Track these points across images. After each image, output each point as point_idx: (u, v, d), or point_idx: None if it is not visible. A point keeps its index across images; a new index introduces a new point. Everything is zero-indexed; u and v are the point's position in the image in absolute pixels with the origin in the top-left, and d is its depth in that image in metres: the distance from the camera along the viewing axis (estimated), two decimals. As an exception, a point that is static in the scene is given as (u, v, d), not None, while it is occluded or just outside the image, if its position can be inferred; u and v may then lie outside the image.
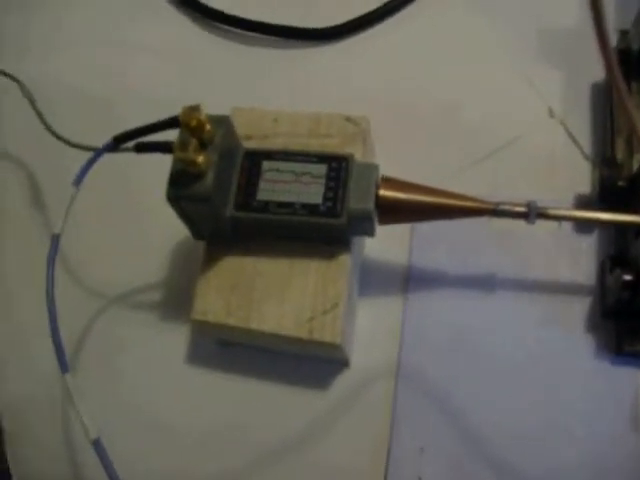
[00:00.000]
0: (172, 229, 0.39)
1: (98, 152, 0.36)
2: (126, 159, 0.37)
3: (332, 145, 0.40)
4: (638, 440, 0.38)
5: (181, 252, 0.44)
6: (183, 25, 0.53)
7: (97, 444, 0.32)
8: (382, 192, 0.37)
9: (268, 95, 0.46)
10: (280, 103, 0.42)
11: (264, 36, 0.51)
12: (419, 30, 0.49)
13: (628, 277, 0.37)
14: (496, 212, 0.37)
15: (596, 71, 0.45)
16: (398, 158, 0.43)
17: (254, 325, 0.38)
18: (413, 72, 0.48)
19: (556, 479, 0.38)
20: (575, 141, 0.44)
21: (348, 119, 0.41)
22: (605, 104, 0.44)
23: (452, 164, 0.44)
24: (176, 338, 0.43)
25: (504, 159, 0.44)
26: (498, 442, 0.39)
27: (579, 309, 0.41)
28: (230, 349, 0.42)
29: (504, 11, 0.49)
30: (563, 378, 0.40)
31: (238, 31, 0.51)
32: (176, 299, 0.43)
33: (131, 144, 0.36)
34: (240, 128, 0.41)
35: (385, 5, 0.49)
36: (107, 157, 0.37)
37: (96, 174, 0.37)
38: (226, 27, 0.52)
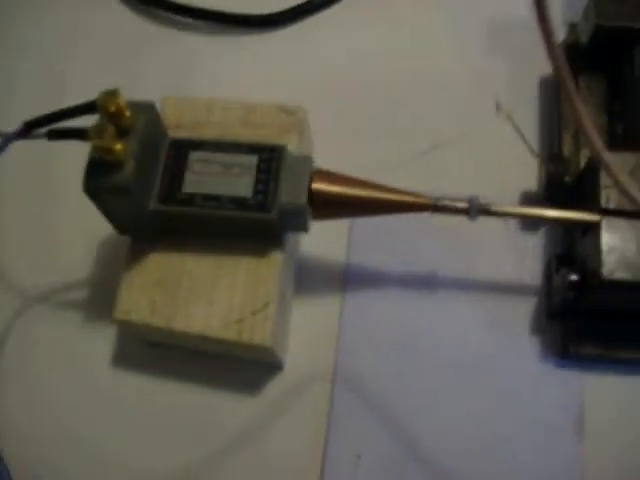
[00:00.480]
0: (98, 222, 0.37)
1: (7, 138, 0.33)
2: (48, 146, 0.35)
3: (266, 135, 0.38)
4: (581, 445, 0.36)
5: (107, 247, 0.42)
6: (118, 11, 0.50)
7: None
8: (316, 185, 0.34)
9: (203, 83, 0.44)
10: (216, 92, 0.40)
11: (201, 22, 0.48)
12: (363, 20, 0.47)
13: (574, 277, 0.35)
14: (436, 208, 0.35)
15: (544, 65, 0.43)
16: (338, 151, 0.41)
17: (179, 326, 0.35)
18: (355, 63, 0.46)
19: (498, 487, 0.36)
20: (522, 136, 0.42)
21: (283, 109, 0.39)
22: (553, 98, 0.42)
23: (394, 158, 0.42)
24: (102, 339, 0.40)
25: (448, 154, 0.43)
26: (438, 449, 0.37)
27: (524, 310, 0.39)
28: (159, 350, 0.40)
29: (451, 2, 0.47)
30: (507, 381, 0.38)
31: (174, 17, 0.49)
32: (102, 297, 0.40)
33: (44, 130, 0.33)
34: (170, 117, 0.39)
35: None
36: (27, 144, 0.35)
37: (13, 162, 0.35)
38: (162, 13, 0.49)
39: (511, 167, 0.42)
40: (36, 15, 0.50)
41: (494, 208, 0.35)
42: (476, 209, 0.35)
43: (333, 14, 0.48)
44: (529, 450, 0.37)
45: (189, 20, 0.48)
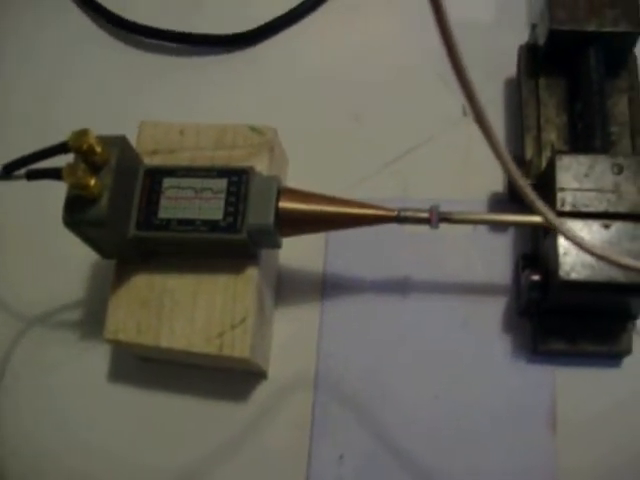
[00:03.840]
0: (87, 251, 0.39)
1: (-12, 180, 0.35)
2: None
3: (238, 156, 0.40)
4: (554, 440, 0.38)
5: (99, 269, 0.44)
6: (86, 33, 0.51)
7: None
8: (282, 204, 0.36)
9: (175, 107, 0.46)
10: (188, 114, 0.42)
11: (171, 44, 0.49)
12: (327, 35, 0.49)
13: (536, 277, 0.37)
14: (399, 219, 0.37)
15: (509, 66, 0.45)
16: (311, 166, 0.43)
17: (164, 343, 0.37)
18: (322, 78, 0.47)
19: (475, 481, 0.38)
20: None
21: (253, 129, 0.41)
22: (516, 101, 0.44)
23: (364, 169, 0.44)
24: (98, 356, 0.43)
25: (417, 160, 0.44)
26: (417, 446, 0.39)
27: (495, 309, 0.41)
28: (152, 365, 0.42)
29: (411, 9, 0.48)
30: (481, 379, 0.40)
31: (144, 40, 0.50)
32: (96, 317, 0.42)
33: (22, 172, 0.35)
34: (146, 143, 0.41)
35: (291, 12, 0.48)
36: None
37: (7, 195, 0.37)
38: (132, 35, 0.50)
39: (479, 169, 0.43)
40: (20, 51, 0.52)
41: (455, 216, 0.36)
42: (437, 218, 0.36)
43: (296, 32, 0.49)
44: (505, 445, 0.38)
45: (161, 42, 0.50)
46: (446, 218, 0.36)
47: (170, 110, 0.44)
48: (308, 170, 0.41)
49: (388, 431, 0.39)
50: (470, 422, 0.39)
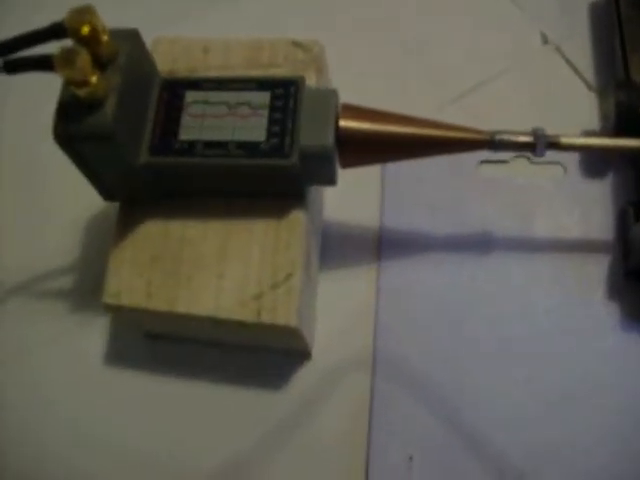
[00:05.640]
0: (82, 197, 0.31)
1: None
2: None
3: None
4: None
5: (100, 221, 0.35)
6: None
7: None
8: (344, 123, 0.28)
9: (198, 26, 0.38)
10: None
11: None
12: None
13: (662, 223, 0.29)
14: (493, 144, 0.29)
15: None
16: (364, 94, 0.35)
17: (183, 308, 0.29)
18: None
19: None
20: (575, 69, 0.37)
21: (296, 44, 0.32)
22: (610, 23, 0.36)
23: (431, 101, 0.36)
24: (95, 332, 0.34)
25: (492, 94, 0.37)
26: (507, 442, 0.30)
27: (596, 271, 0.33)
28: (162, 343, 0.33)
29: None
30: (582, 357, 0.31)
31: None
32: (92, 285, 0.33)
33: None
34: (163, 62, 0.32)
35: None
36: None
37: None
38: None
39: (565, 106, 0.36)
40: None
41: (565, 141, 0.29)
42: (544, 142, 0.28)
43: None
44: (615, 440, 0.30)
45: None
46: (554, 143, 0.29)
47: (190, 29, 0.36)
48: (357, 101, 0.33)
49: (469, 424, 0.30)
50: (571, 411, 0.30)
